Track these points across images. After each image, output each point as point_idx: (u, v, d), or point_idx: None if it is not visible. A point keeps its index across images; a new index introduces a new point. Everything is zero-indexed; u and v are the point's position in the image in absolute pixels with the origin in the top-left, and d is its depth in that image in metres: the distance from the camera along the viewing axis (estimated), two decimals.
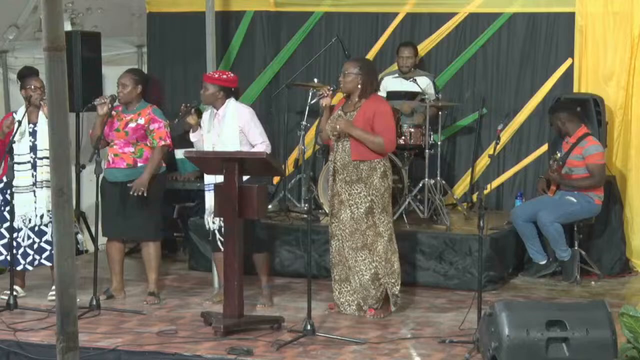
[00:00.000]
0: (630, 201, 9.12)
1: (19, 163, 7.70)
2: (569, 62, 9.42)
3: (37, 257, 7.77)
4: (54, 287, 6.09)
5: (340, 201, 7.28)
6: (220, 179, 7.13)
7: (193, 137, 7.63)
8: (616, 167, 9.15)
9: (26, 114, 7.73)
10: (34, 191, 7.71)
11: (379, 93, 9.20)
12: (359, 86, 7.24)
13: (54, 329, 4.10)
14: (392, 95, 9.13)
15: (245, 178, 7.09)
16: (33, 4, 9.69)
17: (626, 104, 9.13)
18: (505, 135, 9.56)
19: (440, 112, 9.10)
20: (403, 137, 8.83)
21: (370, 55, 9.91)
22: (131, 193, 7.58)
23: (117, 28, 10.51)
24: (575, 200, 8.49)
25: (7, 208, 7.62)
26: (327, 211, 7.86)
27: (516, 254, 8.80)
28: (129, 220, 7.71)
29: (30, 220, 7.71)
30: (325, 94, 7.30)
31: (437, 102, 9.10)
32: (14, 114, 7.91)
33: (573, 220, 8.54)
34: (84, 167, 9.31)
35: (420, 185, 8.79)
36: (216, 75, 7.65)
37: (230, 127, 7.45)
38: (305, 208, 7.02)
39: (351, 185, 7.22)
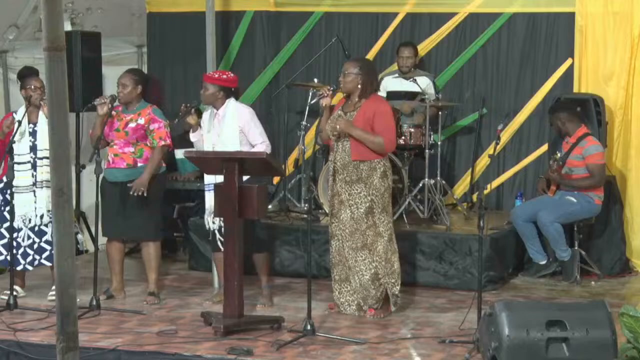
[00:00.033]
0: (630, 201, 9.12)
1: (19, 163, 7.70)
2: (569, 62, 9.42)
3: (37, 257, 7.77)
4: (54, 287, 6.09)
5: (340, 201, 7.28)
6: (220, 179, 7.13)
7: (193, 137, 7.63)
8: (616, 167, 9.15)
9: (26, 114, 7.73)
10: (34, 191, 7.71)
11: (379, 93, 9.21)
12: (359, 86, 7.24)
13: (54, 329, 4.10)
14: (392, 95, 9.12)
15: (245, 178, 7.09)
16: (33, 4, 9.69)
17: (626, 104, 9.13)
18: (505, 135, 9.56)
19: (440, 112, 9.10)
20: (403, 137, 8.83)
21: (370, 55, 9.91)
22: (131, 193, 7.58)
23: (117, 28, 10.51)
24: (575, 200, 8.49)
25: (7, 208, 7.62)
26: (327, 211, 7.86)
27: (516, 254, 8.80)
28: (129, 220, 7.71)
29: (30, 220, 7.71)
30: (325, 94, 7.30)
31: (437, 102, 9.10)
32: (14, 114, 7.91)
33: (573, 220, 8.54)
34: (84, 167, 9.31)
35: (420, 185, 8.79)
36: (216, 75, 7.65)
37: (231, 127, 7.45)
38: (305, 208, 7.02)
39: (351, 185, 7.22)
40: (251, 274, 7.68)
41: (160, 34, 10.67)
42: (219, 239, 7.48)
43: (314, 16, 10.20)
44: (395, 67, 9.67)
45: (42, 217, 7.70)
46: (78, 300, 4.02)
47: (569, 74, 9.42)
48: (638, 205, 9.11)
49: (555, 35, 9.55)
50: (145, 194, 7.57)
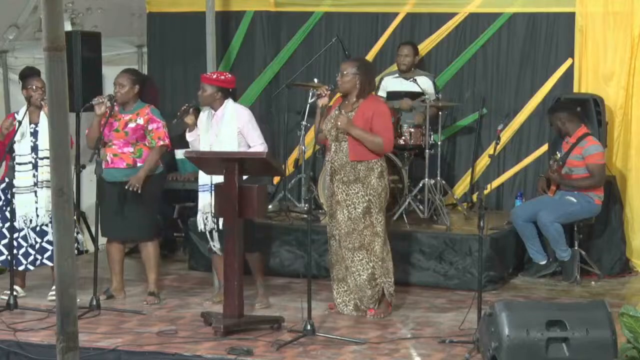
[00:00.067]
0: (630, 201, 9.12)
1: (20, 164, 7.70)
2: (569, 62, 9.42)
3: (39, 257, 7.77)
4: (54, 287, 6.09)
5: (336, 201, 7.28)
6: (215, 179, 7.14)
7: (189, 136, 7.62)
8: (616, 167, 9.15)
9: (27, 114, 7.73)
10: (35, 191, 7.71)
11: (379, 93, 9.23)
12: (357, 86, 7.24)
13: (54, 329, 4.10)
14: (392, 96, 9.13)
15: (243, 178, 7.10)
16: (33, 4, 9.69)
17: (626, 104, 9.13)
18: (505, 135, 9.56)
19: (440, 112, 9.10)
20: (403, 137, 8.83)
21: (370, 55, 9.91)
22: (126, 187, 7.58)
23: (117, 28, 10.51)
24: (575, 200, 8.49)
25: (9, 208, 7.62)
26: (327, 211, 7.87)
27: (516, 254, 8.80)
28: (127, 221, 7.71)
29: (31, 220, 7.71)
30: (323, 94, 7.28)
31: (437, 102, 9.10)
32: (15, 115, 7.91)
33: (573, 220, 8.54)
34: (84, 167, 9.31)
35: (420, 185, 8.79)
36: (214, 76, 7.64)
37: (229, 128, 7.44)
38: (305, 208, 7.02)
39: (348, 186, 7.21)
40: (251, 274, 7.68)
41: (160, 34, 10.67)
42: (212, 246, 7.57)
43: (314, 16, 10.20)
44: (395, 67, 9.67)
45: (43, 217, 7.71)
46: (78, 300, 4.02)
47: (569, 74, 9.42)
48: (638, 205, 9.11)
49: (555, 35, 9.55)
50: (139, 191, 7.57)
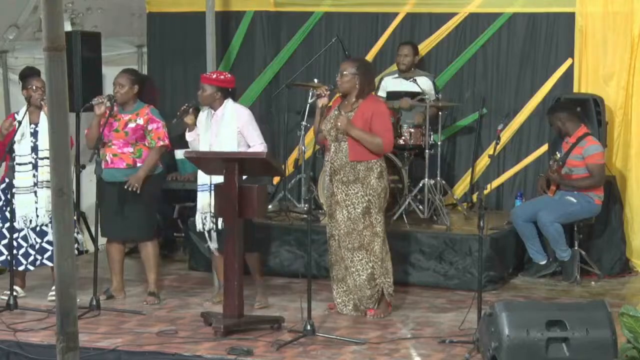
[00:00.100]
0: (630, 201, 9.12)
1: (20, 164, 7.70)
2: (569, 62, 9.42)
3: (39, 257, 7.77)
4: (54, 287, 6.09)
5: (336, 201, 7.28)
6: (215, 179, 7.14)
7: (189, 136, 7.62)
8: (616, 167, 9.15)
9: (27, 114, 7.73)
10: (35, 192, 7.71)
11: (379, 93, 9.23)
12: (357, 86, 7.23)
13: (54, 329, 4.10)
14: (392, 96, 9.13)
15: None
16: (33, 4, 9.70)
17: (626, 104, 9.13)
18: (505, 135, 9.56)
19: (440, 112, 9.09)
20: (403, 137, 8.83)
21: (370, 56, 9.91)
22: (125, 187, 7.58)
23: (117, 28, 10.51)
24: (575, 200, 8.49)
25: (9, 208, 7.62)
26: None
27: (516, 254, 8.80)
28: (126, 221, 7.71)
29: (31, 220, 7.71)
30: (323, 94, 7.28)
31: (437, 102, 9.10)
32: (15, 115, 7.91)
33: (573, 220, 8.54)
34: (84, 167, 9.30)
35: (420, 185, 8.79)
36: (214, 76, 7.63)
37: (229, 128, 7.44)
38: (305, 208, 7.02)
39: (348, 186, 7.21)
40: (250, 274, 7.68)
41: (160, 34, 10.66)
42: (209, 245, 7.56)
43: (314, 16, 10.20)
44: (395, 67, 9.67)
45: (43, 217, 7.71)
46: (78, 300, 4.02)
47: (569, 74, 9.42)
48: (638, 205, 9.11)
49: (555, 35, 9.55)
50: (138, 191, 7.57)
